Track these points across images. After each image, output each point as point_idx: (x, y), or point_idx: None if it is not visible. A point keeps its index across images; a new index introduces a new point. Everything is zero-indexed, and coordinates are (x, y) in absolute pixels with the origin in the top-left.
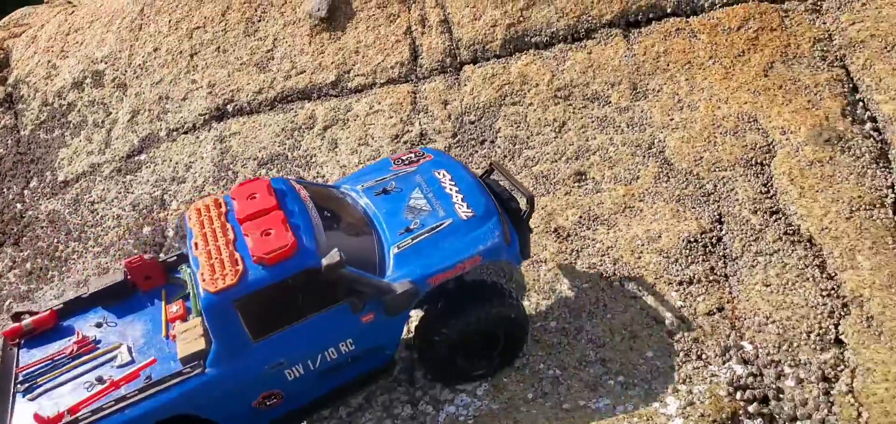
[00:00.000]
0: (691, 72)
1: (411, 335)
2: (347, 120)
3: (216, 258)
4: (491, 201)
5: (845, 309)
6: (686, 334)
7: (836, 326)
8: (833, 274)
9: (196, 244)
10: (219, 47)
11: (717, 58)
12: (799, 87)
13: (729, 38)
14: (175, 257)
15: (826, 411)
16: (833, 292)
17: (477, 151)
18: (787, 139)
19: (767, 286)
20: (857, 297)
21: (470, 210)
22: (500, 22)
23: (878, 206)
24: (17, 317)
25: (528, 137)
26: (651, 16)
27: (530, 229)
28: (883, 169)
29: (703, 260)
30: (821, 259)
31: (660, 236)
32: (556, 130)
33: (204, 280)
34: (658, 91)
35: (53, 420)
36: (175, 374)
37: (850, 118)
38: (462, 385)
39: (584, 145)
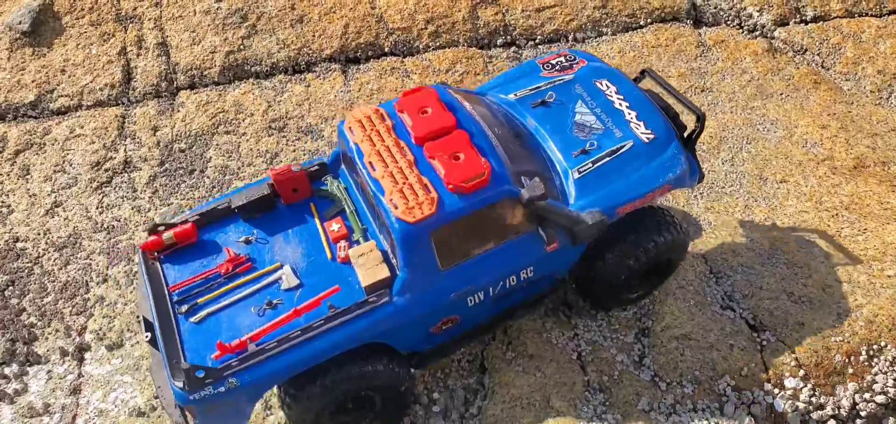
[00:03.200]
0: None
1: None
2: (44, 144)
3: (404, 183)
4: (667, 121)
5: None
6: None
7: (483, 353)
8: None
9: (371, 164)
10: None
11: None
12: None
13: (437, 80)
14: (317, 167)
15: None
16: None
17: (185, 182)
18: None
19: None
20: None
21: (649, 131)
22: (220, 49)
23: None
24: (154, 229)
25: (239, 168)
26: (370, 54)
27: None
28: None
29: None
30: None
31: None
32: (268, 161)
33: (395, 208)
34: None
35: (236, 348)
36: (360, 303)
37: None
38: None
39: None
